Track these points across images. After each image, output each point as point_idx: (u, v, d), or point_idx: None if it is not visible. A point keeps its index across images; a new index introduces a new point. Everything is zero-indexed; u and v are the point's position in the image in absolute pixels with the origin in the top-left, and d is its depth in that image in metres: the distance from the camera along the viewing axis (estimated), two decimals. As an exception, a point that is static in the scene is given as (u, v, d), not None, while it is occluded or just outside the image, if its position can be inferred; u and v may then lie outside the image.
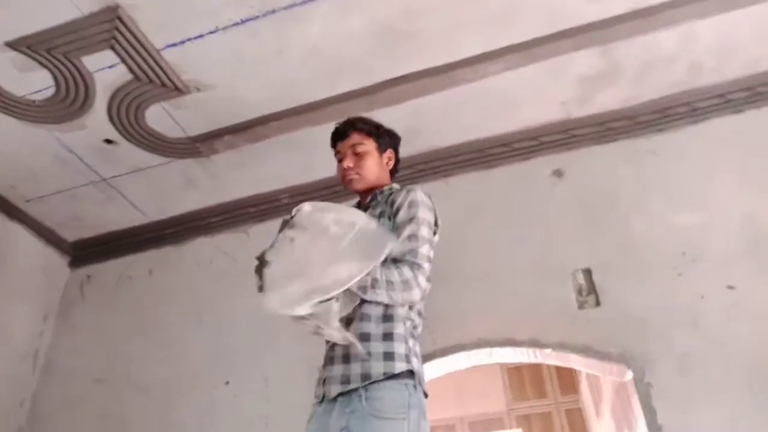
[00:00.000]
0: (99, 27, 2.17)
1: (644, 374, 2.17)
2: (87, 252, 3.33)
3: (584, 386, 4.45)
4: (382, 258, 1.50)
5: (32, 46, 2.23)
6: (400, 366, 1.52)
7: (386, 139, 1.96)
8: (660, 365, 2.17)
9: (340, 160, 1.89)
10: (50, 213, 3.13)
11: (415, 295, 1.57)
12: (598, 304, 2.34)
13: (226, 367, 2.71)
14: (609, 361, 2.24)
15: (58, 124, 2.58)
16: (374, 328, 1.57)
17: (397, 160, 2.00)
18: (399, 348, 1.55)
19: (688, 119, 2.61)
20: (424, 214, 1.69)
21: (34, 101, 2.47)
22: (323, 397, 1.57)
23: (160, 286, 3.10)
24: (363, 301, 1.56)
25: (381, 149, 1.93)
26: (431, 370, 2.49)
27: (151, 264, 3.18)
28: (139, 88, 2.42)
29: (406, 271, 1.57)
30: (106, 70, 2.35)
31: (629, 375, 2.22)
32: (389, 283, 1.55)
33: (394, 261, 1.60)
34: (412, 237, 1.64)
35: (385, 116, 2.57)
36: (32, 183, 2.93)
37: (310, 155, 2.72)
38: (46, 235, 3.22)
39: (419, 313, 1.69)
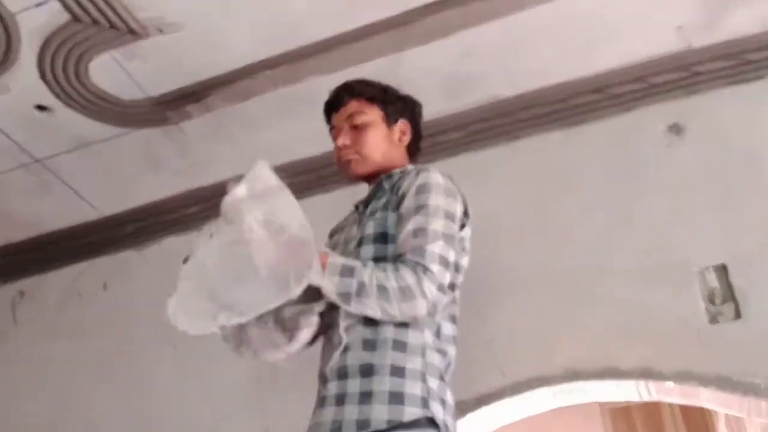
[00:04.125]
0: (21, -50, 2.24)
1: (807, 414, 2.17)
2: (18, 260, 3.44)
3: (722, 431, 4.42)
4: (298, 291, 1.53)
5: (-68, -19, 2.31)
6: (412, 412, 1.54)
7: (397, 105, 2.00)
8: (829, 401, 2.16)
9: (335, 138, 1.96)
10: (-34, 209, 3.23)
11: (419, 308, 1.59)
12: (738, 316, 2.32)
13: (214, 413, 2.78)
14: (756, 396, 2.23)
15: (-30, 86, 2.65)
16: (380, 357, 1.60)
17: (417, 135, 2.04)
18: (412, 388, 1.57)
19: None
20: (439, 201, 1.72)
21: (-63, 57, 2.56)
22: None
23: (119, 303, 3.18)
24: (366, 320, 1.61)
25: (390, 119, 1.98)
26: (500, 414, 2.52)
27: (106, 274, 3.27)
28: (80, 32, 2.47)
29: (407, 274, 1.59)
30: (32, 10, 2.39)
31: (785, 415, 2.21)
32: (382, 289, 1.58)
33: (397, 261, 1.63)
34: (419, 231, 1.66)
35: (422, 58, 2.63)
36: (-64, 170, 3.03)
37: (317, 117, 2.73)
38: (-37, 239, 3.34)
39: (453, 340, 1.72)
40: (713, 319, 2.35)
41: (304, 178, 2.88)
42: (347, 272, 1.60)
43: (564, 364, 2.41)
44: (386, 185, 1.88)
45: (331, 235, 2.03)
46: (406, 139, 2.01)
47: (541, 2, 2.47)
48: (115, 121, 2.84)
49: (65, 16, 2.43)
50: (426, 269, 1.60)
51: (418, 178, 1.77)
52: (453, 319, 1.79)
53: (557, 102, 2.80)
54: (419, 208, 1.70)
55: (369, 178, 1.96)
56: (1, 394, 3.20)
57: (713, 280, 2.40)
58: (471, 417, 2.45)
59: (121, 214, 3.26)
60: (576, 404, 2.60)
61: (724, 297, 2.37)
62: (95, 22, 2.43)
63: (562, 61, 2.71)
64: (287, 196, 1.65)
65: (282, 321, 1.68)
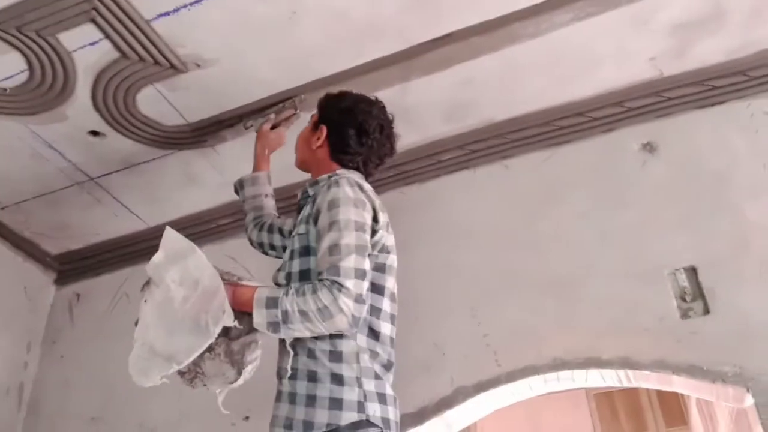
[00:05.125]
0: (77, -3, 2.25)
1: (769, 398, 2.14)
2: (75, 266, 3.47)
3: (694, 414, 4.39)
4: (216, 333, 1.59)
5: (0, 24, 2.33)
6: (349, 416, 1.54)
7: (327, 112, 2.00)
8: (789, 387, 2.14)
9: None
10: (29, 222, 3.27)
11: (340, 323, 1.56)
12: (706, 311, 2.32)
13: (246, 400, 2.77)
14: (723, 383, 2.22)
15: (34, 115, 2.68)
16: (321, 366, 1.60)
17: (341, 140, 1.95)
18: (349, 394, 1.56)
19: (817, 70, 2.55)
20: (348, 214, 1.67)
21: (5, 89, 2.57)
22: None
23: (163, 304, 3.20)
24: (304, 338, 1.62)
25: (318, 124, 1.99)
26: (496, 399, 2.52)
27: (151, 278, 3.28)
28: (128, 67, 2.50)
29: (324, 295, 1.56)
30: (87, 48, 2.43)
31: (750, 400, 2.19)
32: (303, 314, 1.56)
33: (316, 280, 1.62)
34: (333, 248, 1.63)
35: (426, 87, 2.64)
36: (7, 186, 3.06)
37: (336, 138, 2.76)
38: (26, 247, 3.37)
39: (391, 341, 1.71)
40: (684, 315, 2.34)
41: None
42: (272, 304, 1.60)
43: (553, 355, 2.41)
44: (310, 191, 1.86)
45: None
46: (319, 142, 1.96)
47: (531, 37, 2.47)
48: (159, 144, 2.86)
49: (115, 54, 2.45)
50: (341, 286, 1.57)
51: (329, 193, 1.73)
52: (392, 319, 1.77)
53: (544, 124, 2.81)
54: (332, 225, 1.66)
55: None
56: (58, 385, 3.21)
57: (684, 280, 2.39)
58: (471, 402, 2.45)
59: (164, 225, 3.26)
60: (564, 390, 2.60)
61: (694, 295, 2.36)
62: (141, 59, 2.46)
63: (549, 88, 2.71)
64: (196, 253, 1.72)
65: (230, 353, 1.72)
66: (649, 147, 2.67)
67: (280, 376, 1.69)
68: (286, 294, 1.60)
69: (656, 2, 2.39)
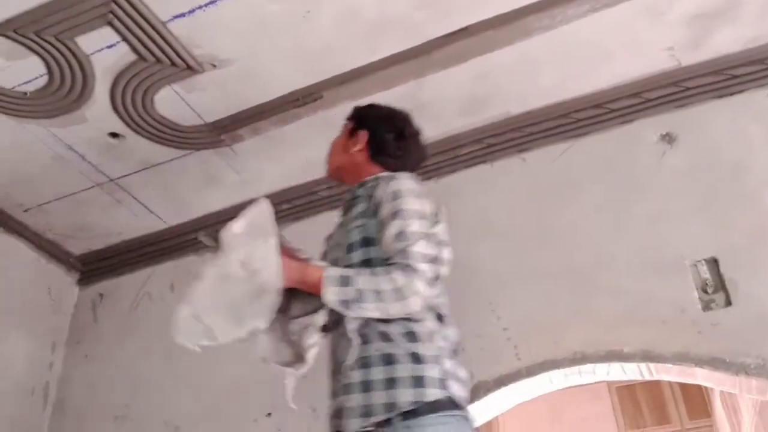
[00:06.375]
0: (93, 0, 2.27)
1: (793, 390, 2.14)
2: (97, 266, 3.52)
3: (718, 407, 4.36)
4: (244, 335, 1.61)
5: (18, 30, 2.36)
6: (433, 393, 1.53)
7: (364, 119, 2.01)
8: (814, 378, 2.12)
9: None
10: (52, 223, 3.32)
11: (413, 304, 1.58)
12: (728, 303, 2.30)
13: (268, 397, 2.80)
14: (746, 375, 2.21)
15: (54, 118, 2.73)
16: (397, 347, 1.59)
17: (383, 143, 1.97)
18: (431, 371, 1.56)
19: (838, 57, 2.53)
20: (412, 205, 1.70)
21: (24, 93, 2.62)
22: None
23: (184, 302, 3.23)
24: (374, 319, 1.61)
25: (353, 131, 1.99)
26: (517, 394, 2.52)
27: (173, 277, 3.31)
28: (146, 69, 2.53)
29: (398, 276, 1.58)
30: (105, 51, 2.46)
31: (774, 392, 2.19)
32: (377, 293, 1.57)
33: (386, 264, 1.62)
34: (400, 235, 1.64)
35: (441, 82, 2.64)
36: (29, 189, 3.11)
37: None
38: (49, 249, 3.42)
39: (452, 323, 1.71)
40: (706, 307, 2.33)
41: (338, 192, 2.91)
42: (345, 282, 1.60)
43: (573, 348, 2.40)
44: (360, 192, 1.86)
45: (327, 239, 2.00)
46: (360, 146, 1.96)
47: (546, 30, 2.47)
48: (177, 144, 2.89)
49: (132, 56, 2.48)
50: (414, 270, 1.59)
51: (390, 185, 1.75)
52: (446, 306, 1.78)
53: (562, 117, 2.80)
54: (396, 213, 1.68)
55: (347, 183, 1.99)
56: (84, 382, 3.26)
57: (705, 272, 2.38)
58: (492, 396, 2.45)
59: (185, 224, 3.32)
60: (586, 384, 2.59)
61: (716, 287, 2.34)
62: (158, 60, 2.49)
63: (565, 80, 2.71)
64: (269, 242, 1.67)
65: (288, 335, 1.71)
66: (667, 138, 2.65)
67: (343, 369, 1.66)
68: (358, 273, 1.62)
69: (672, -9, 2.38)
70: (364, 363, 1.61)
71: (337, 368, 1.69)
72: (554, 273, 2.53)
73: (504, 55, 2.56)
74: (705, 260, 2.39)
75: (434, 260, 1.66)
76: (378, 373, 1.57)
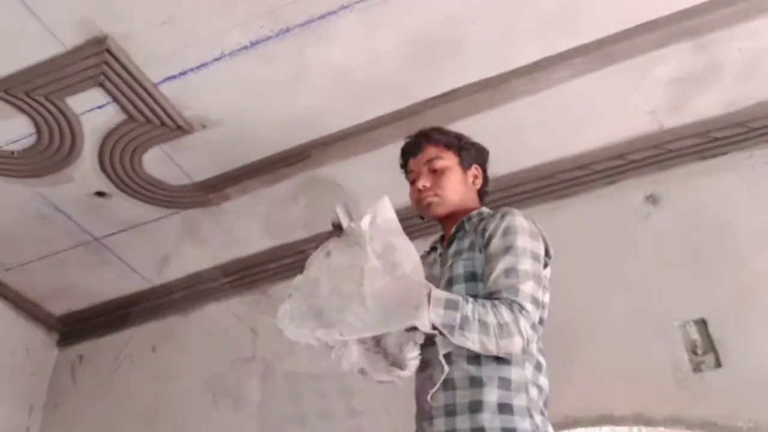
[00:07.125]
0: (85, 62, 2.29)
1: (788, 454, 2.11)
2: (78, 327, 3.45)
3: (709, 469, 4.29)
4: (396, 329, 1.50)
5: (9, 90, 2.37)
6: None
7: (471, 151, 1.95)
8: (808, 441, 2.10)
9: (413, 181, 1.89)
10: (33, 283, 3.27)
11: (515, 344, 1.51)
12: (718, 364, 2.29)
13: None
14: (739, 439, 2.18)
15: (40, 177, 2.72)
16: (488, 394, 1.51)
17: (486, 179, 1.98)
18: (522, 423, 1.49)
19: (817, 120, 2.58)
20: (525, 243, 1.65)
21: (12, 152, 2.61)
22: None
23: (166, 364, 3.18)
24: (468, 357, 1.53)
25: (464, 164, 1.91)
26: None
27: (154, 339, 3.27)
28: (134, 129, 2.54)
29: (505, 311, 1.51)
30: (94, 111, 2.47)
31: (766, 456, 2.16)
32: (483, 324, 1.49)
33: (492, 298, 1.55)
34: (510, 271, 1.59)
35: (429, 144, 2.67)
36: (11, 248, 3.07)
37: (343, 196, 2.78)
38: (29, 309, 3.36)
39: (546, 373, 1.65)
40: (696, 368, 2.31)
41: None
42: (452, 305, 1.51)
43: (565, 412, 2.35)
44: (467, 227, 1.80)
45: None
46: (479, 182, 1.94)
47: (531, 93, 2.52)
48: (164, 203, 2.88)
49: (122, 117, 2.49)
50: (522, 308, 1.53)
51: (504, 220, 1.69)
52: (542, 353, 1.71)
53: (548, 177, 2.83)
54: (508, 249, 1.62)
55: (446, 219, 1.87)
56: (62, 447, 3.17)
57: (694, 333, 2.37)
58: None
59: (168, 284, 3.28)
60: (577, 447, 2.54)
61: (705, 348, 2.34)
62: (148, 121, 2.50)
63: (550, 142, 2.74)
64: (404, 237, 1.59)
65: (384, 346, 1.62)
66: (652, 199, 2.68)
67: (428, 416, 1.57)
68: (467, 300, 1.53)
69: (651, 58, 2.43)
70: (450, 411, 1.53)
71: (421, 414, 1.62)
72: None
73: (491, 117, 2.59)
74: (693, 321, 2.38)
75: (540, 304, 1.61)
76: (464, 423, 1.49)
